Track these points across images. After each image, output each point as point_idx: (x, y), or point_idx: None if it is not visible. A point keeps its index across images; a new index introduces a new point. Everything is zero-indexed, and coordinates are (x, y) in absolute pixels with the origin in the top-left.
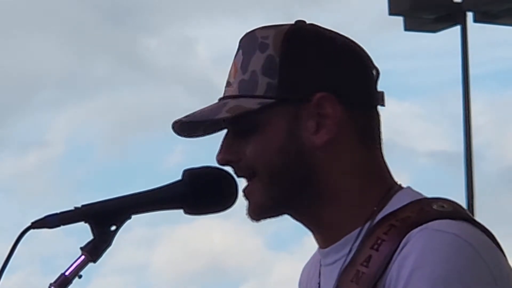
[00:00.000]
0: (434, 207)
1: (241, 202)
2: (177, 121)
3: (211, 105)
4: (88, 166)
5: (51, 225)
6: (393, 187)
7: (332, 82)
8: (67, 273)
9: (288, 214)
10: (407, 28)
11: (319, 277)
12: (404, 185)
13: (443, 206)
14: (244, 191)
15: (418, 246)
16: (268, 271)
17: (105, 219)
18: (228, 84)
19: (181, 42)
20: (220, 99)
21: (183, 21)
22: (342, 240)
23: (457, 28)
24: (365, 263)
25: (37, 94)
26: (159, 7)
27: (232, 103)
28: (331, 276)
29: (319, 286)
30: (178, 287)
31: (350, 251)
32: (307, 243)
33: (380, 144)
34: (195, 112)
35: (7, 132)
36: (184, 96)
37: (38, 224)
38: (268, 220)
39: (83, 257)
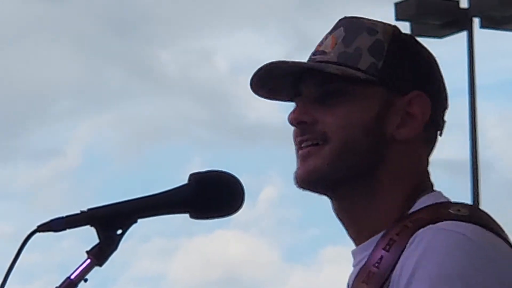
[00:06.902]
0: (450, 210)
1: (258, 216)
2: (272, 63)
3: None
4: (104, 176)
5: (57, 228)
6: (423, 190)
7: (427, 85)
8: (72, 277)
9: (333, 195)
10: (414, 33)
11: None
12: (436, 189)
13: (459, 210)
14: (303, 153)
15: (422, 245)
16: (283, 283)
17: (111, 222)
18: (322, 52)
19: (196, 53)
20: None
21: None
22: (369, 241)
23: (464, 34)
24: (376, 264)
25: (53, 105)
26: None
27: (334, 66)
28: (354, 277)
29: (348, 287)
30: None
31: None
32: (322, 256)
33: (432, 151)
34: (293, 61)
35: (24, 142)
36: (199, 107)
37: (44, 227)
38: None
39: (89, 260)
